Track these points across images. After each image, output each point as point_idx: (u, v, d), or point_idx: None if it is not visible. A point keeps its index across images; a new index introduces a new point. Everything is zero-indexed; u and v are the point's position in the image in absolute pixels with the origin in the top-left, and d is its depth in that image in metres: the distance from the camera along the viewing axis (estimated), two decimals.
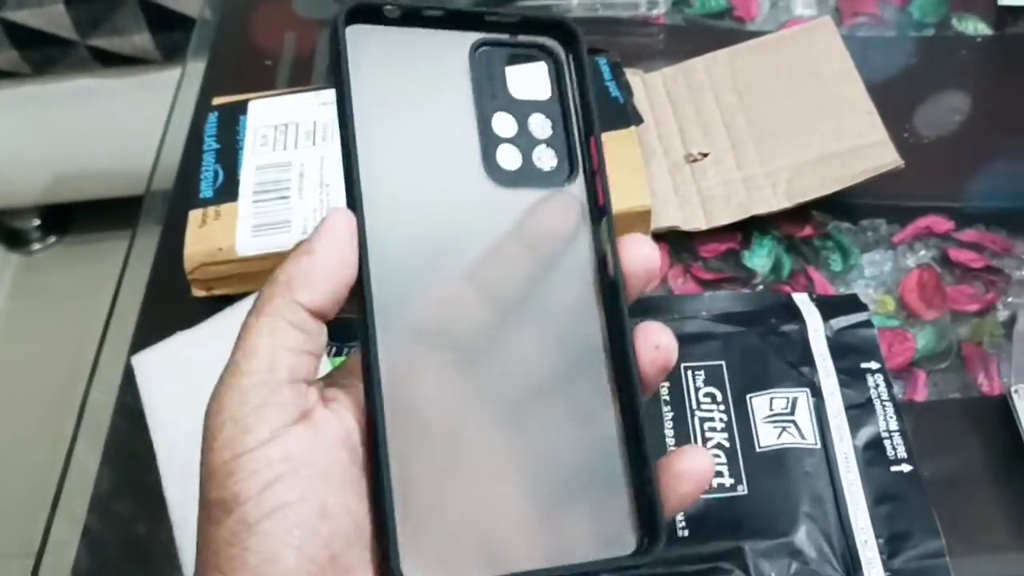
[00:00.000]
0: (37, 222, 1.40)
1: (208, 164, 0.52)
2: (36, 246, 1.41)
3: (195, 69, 0.66)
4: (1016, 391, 0.43)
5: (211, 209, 0.50)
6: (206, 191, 0.51)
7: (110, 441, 0.47)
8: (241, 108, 0.55)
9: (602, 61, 0.56)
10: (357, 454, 0.25)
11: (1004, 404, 0.44)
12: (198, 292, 0.50)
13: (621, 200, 0.49)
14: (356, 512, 0.25)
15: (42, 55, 1.11)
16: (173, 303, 0.50)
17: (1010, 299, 0.49)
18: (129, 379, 0.47)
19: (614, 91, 0.54)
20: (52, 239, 1.41)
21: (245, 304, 0.44)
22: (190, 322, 0.48)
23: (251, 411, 0.25)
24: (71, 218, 1.42)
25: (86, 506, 0.45)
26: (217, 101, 0.56)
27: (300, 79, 0.63)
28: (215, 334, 0.47)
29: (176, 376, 0.46)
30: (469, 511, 0.25)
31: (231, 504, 0.24)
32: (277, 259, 0.26)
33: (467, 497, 0.25)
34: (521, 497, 0.25)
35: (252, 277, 0.49)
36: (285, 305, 0.25)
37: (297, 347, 0.25)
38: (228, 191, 0.51)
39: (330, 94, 0.55)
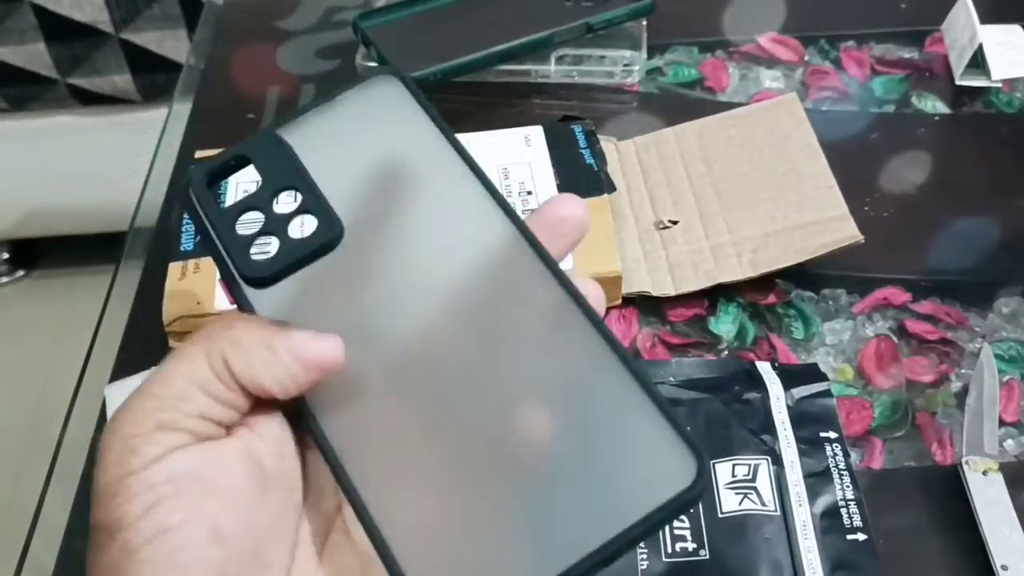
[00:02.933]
0: (6, 255, 1.40)
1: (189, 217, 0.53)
2: (4, 279, 1.41)
3: (179, 113, 0.67)
4: (967, 462, 0.45)
5: (191, 262, 0.51)
6: (187, 244, 0.52)
7: (83, 485, 0.47)
8: None
9: (577, 129, 0.58)
10: (260, 469, 0.24)
11: (956, 474, 0.46)
12: (175, 344, 0.50)
13: (593, 265, 0.51)
14: (259, 530, 0.24)
15: (21, 92, 1.11)
16: (152, 341, 0.50)
17: (963, 371, 0.51)
18: (104, 422, 0.48)
19: (588, 159, 0.56)
20: (20, 273, 1.41)
21: None
22: None
23: (143, 433, 0.23)
24: (39, 253, 1.42)
25: (55, 556, 0.45)
26: (200, 155, 0.57)
27: None
28: None
29: None
30: (487, 526, 0.24)
31: (113, 529, 0.22)
32: None
33: (481, 513, 0.24)
34: (543, 482, 0.24)
35: None
36: (212, 347, 0.25)
37: (205, 384, 0.24)
38: None
39: None
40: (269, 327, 0.25)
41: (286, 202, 0.27)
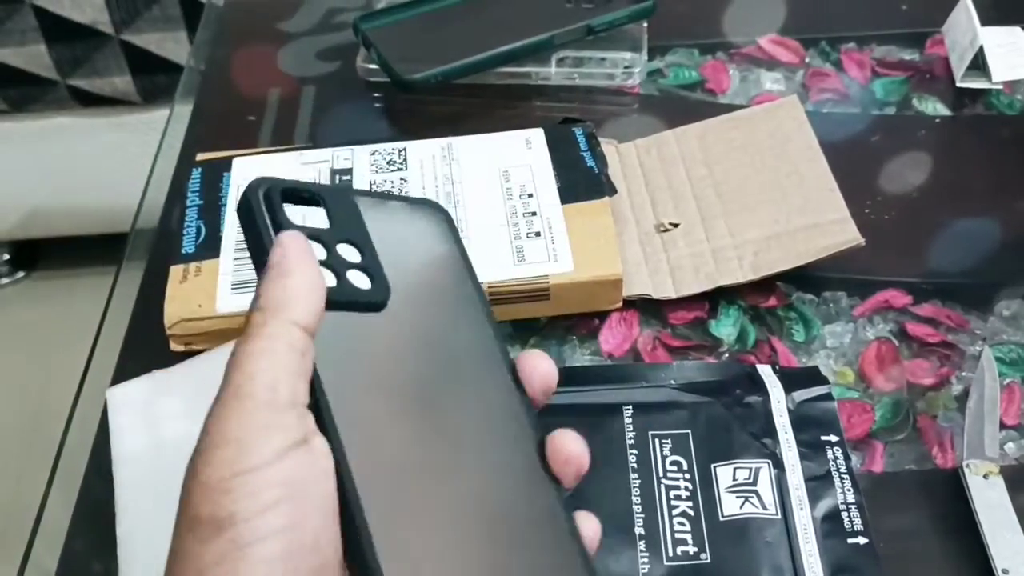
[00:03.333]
0: (6, 256, 1.40)
1: (191, 220, 0.53)
2: (4, 280, 1.40)
3: (180, 114, 0.67)
4: (968, 465, 0.45)
5: (192, 265, 0.51)
6: (188, 246, 0.52)
7: (84, 489, 0.47)
8: (225, 165, 0.56)
9: (578, 131, 0.58)
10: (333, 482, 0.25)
11: (957, 477, 0.46)
12: (176, 347, 0.50)
13: (594, 268, 0.51)
14: (340, 547, 0.25)
15: (21, 93, 1.11)
16: (153, 344, 0.51)
17: (964, 373, 0.51)
18: (105, 425, 0.48)
19: (589, 161, 0.56)
20: (20, 274, 1.41)
21: (225, 348, 0.45)
22: (168, 363, 0.48)
23: (255, 431, 0.24)
24: (40, 254, 1.42)
25: (56, 558, 0.45)
26: (201, 157, 0.57)
27: (282, 135, 0.65)
28: (192, 375, 0.48)
29: (147, 413, 0.47)
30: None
31: (224, 523, 0.23)
32: None
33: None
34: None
35: (231, 334, 0.49)
36: (280, 327, 0.26)
37: (295, 370, 0.25)
38: (210, 247, 0.52)
39: (313, 154, 0.57)
40: (276, 279, 0.27)
41: (348, 252, 0.29)
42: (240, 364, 0.25)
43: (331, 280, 0.28)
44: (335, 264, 0.28)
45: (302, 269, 0.27)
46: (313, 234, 0.28)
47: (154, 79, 1.10)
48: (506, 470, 0.29)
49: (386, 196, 0.33)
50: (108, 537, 0.44)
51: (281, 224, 0.28)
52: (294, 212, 0.28)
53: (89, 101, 1.12)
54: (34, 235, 1.32)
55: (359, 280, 0.29)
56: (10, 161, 1.20)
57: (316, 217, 0.29)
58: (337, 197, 0.30)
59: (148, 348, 0.51)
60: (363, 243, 0.30)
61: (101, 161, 1.17)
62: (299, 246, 0.27)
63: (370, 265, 0.29)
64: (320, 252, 0.28)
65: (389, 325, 0.29)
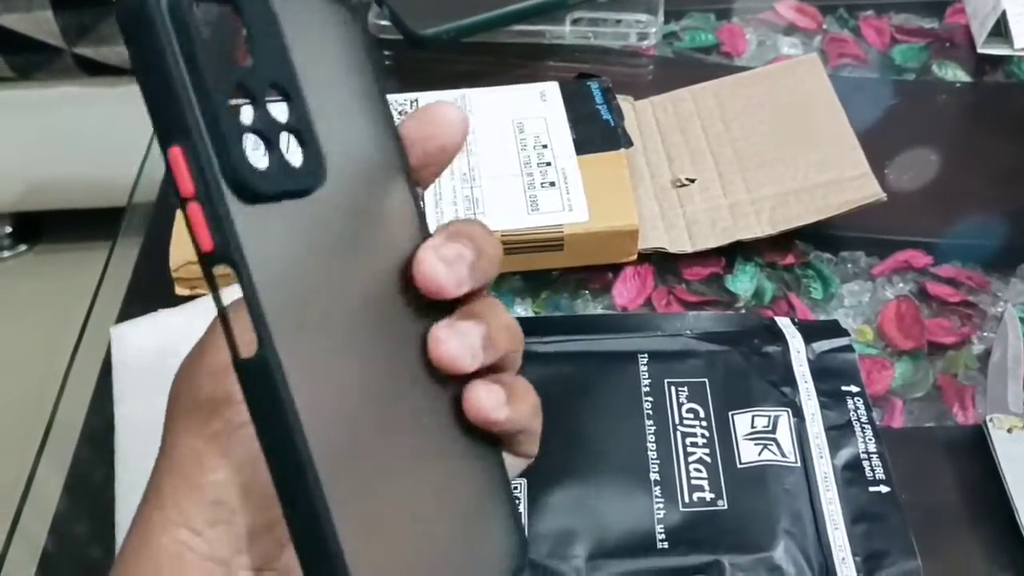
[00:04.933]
0: (8, 229, 1.39)
1: None
2: (6, 254, 1.39)
3: None
4: (991, 420, 0.44)
5: None
6: None
7: (75, 463, 0.46)
8: None
9: (594, 85, 0.57)
10: None
11: (978, 433, 0.45)
12: (182, 290, 0.49)
13: (609, 219, 0.50)
14: None
15: (26, 60, 1.10)
16: (158, 294, 0.49)
17: (985, 333, 0.50)
18: (98, 398, 0.46)
19: (605, 114, 0.55)
20: (23, 247, 1.40)
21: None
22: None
23: None
24: (43, 227, 1.41)
25: (46, 529, 0.44)
26: None
27: None
28: (198, 315, 0.47)
29: (152, 351, 0.46)
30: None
31: (221, 404, 0.23)
32: None
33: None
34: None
35: None
36: None
37: None
38: None
39: None
40: None
41: (276, 106, 0.22)
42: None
43: (260, 162, 0.21)
44: (266, 129, 0.21)
45: None
46: (238, 79, 0.21)
47: None
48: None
49: None
50: (98, 507, 0.43)
51: (195, 69, 0.20)
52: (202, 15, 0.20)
53: (95, 70, 1.11)
54: (37, 207, 1.31)
55: (292, 154, 0.22)
56: (14, 130, 1.19)
57: (225, 28, 0.21)
58: (255, 6, 0.22)
59: (153, 294, 0.50)
60: (289, 79, 0.22)
61: (106, 132, 1.15)
62: None
63: (301, 123, 0.22)
64: (247, 115, 0.21)
65: (317, 203, 0.23)
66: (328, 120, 0.23)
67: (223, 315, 0.21)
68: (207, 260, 0.21)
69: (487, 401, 0.25)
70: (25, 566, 0.43)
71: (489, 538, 0.27)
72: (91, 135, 1.18)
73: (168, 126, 0.20)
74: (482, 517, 0.27)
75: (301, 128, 0.22)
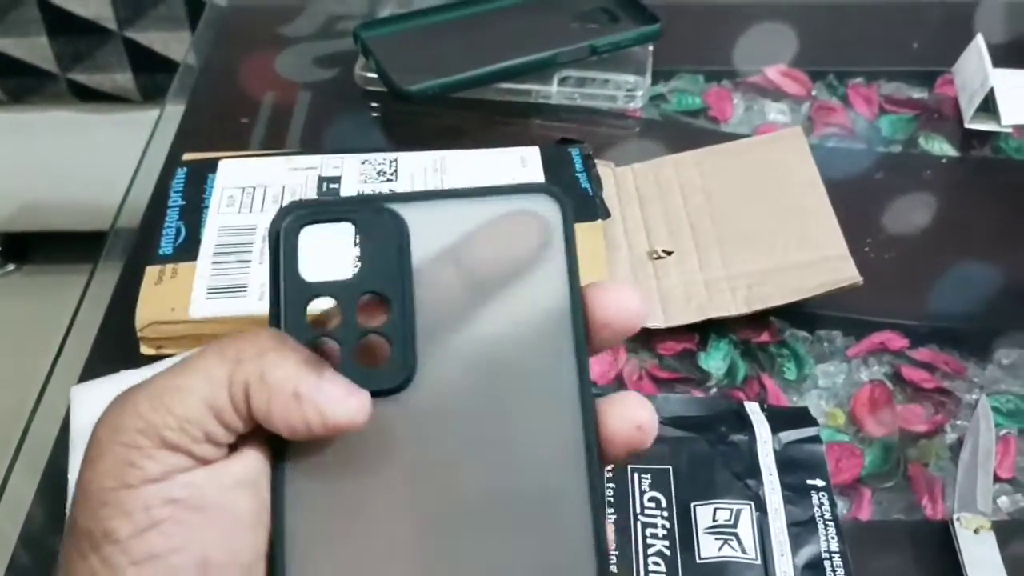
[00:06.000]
0: None
1: (171, 220, 0.52)
2: None
3: (173, 112, 0.66)
4: (959, 519, 0.43)
5: (168, 267, 0.49)
6: (166, 247, 0.50)
7: (46, 476, 0.46)
8: (211, 166, 0.55)
9: (575, 152, 0.56)
10: (258, 494, 0.23)
11: (946, 530, 0.44)
12: (147, 350, 0.49)
13: None
14: (248, 558, 0.22)
15: (20, 84, 1.10)
16: (124, 345, 0.49)
17: (958, 422, 0.49)
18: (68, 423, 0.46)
19: (584, 183, 0.54)
20: (10, 267, 1.39)
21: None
22: (139, 365, 0.47)
23: (145, 447, 0.22)
24: (30, 247, 1.41)
25: (15, 537, 0.44)
26: (187, 157, 0.56)
27: (274, 139, 0.63)
28: None
29: None
30: None
31: (100, 540, 0.21)
32: (231, 324, 0.25)
33: None
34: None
35: (203, 340, 0.48)
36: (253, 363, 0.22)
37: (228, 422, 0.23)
38: (188, 250, 0.50)
39: (302, 160, 0.55)
40: (302, 369, 0.23)
41: (370, 307, 0.24)
42: (180, 370, 0.23)
43: (332, 352, 0.23)
44: (341, 334, 0.23)
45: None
46: (326, 290, 0.23)
47: (155, 78, 1.09)
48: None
49: (463, 198, 0.24)
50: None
51: (286, 277, 0.23)
52: (319, 239, 0.24)
53: (88, 96, 1.11)
54: (25, 228, 1.30)
55: (371, 350, 0.23)
56: (5, 153, 1.19)
57: (342, 250, 0.24)
58: (374, 218, 0.24)
59: (119, 347, 0.50)
60: (396, 293, 0.24)
61: (96, 157, 1.15)
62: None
63: (395, 334, 0.23)
64: (327, 305, 0.24)
65: (400, 409, 0.23)
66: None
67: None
68: None
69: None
70: None
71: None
72: (81, 160, 1.18)
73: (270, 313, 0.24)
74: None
75: (392, 336, 0.24)
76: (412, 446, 0.24)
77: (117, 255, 0.56)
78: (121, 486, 0.22)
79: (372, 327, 0.23)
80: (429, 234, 0.24)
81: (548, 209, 0.24)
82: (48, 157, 1.19)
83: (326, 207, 0.24)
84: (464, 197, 0.24)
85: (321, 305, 0.24)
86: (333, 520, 0.23)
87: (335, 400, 0.22)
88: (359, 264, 0.24)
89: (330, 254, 0.25)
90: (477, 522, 0.24)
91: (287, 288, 0.23)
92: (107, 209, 0.61)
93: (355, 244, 0.24)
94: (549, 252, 0.24)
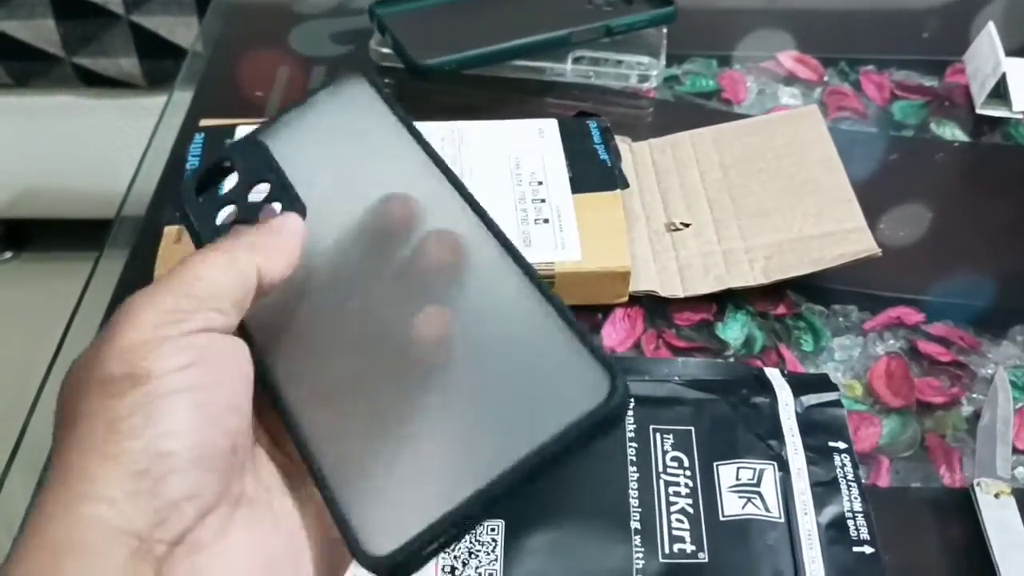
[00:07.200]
0: None
1: None
2: None
3: (180, 99, 0.65)
4: (979, 484, 0.43)
5: None
6: None
7: (46, 471, 0.45)
8: (228, 132, 0.55)
9: (592, 125, 0.57)
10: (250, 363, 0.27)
11: (965, 497, 0.44)
12: None
13: (601, 259, 0.49)
14: (246, 409, 0.26)
15: (25, 68, 1.10)
16: None
17: (974, 395, 0.50)
18: None
19: (602, 154, 0.55)
20: (8, 254, 1.39)
21: None
22: None
23: (187, 310, 0.25)
24: (31, 234, 1.40)
25: (11, 537, 0.43)
26: (204, 123, 0.56)
27: None
28: None
29: None
30: (412, 449, 0.25)
31: (141, 379, 0.24)
32: None
33: (405, 437, 0.25)
34: (459, 409, 0.25)
35: None
36: (246, 257, 0.27)
37: (245, 299, 0.27)
38: None
39: None
40: (260, 236, 0.28)
41: (259, 192, 0.30)
42: (192, 263, 0.26)
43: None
44: (245, 213, 0.29)
45: (290, 240, 0.28)
46: (224, 200, 0.30)
47: (161, 63, 1.09)
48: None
49: (297, 108, 0.31)
50: None
51: (195, 216, 0.30)
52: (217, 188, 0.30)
53: (93, 81, 1.11)
54: (26, 214, 1.29)
55: (272, 211, 0.30)
56: (7, 137, 1.18)
57: (231, 181, 0.30)
58: (242, 149, 0.31)
59: None
60: (271, 175, 0.30)
61: (101, 144, 1.15)
62: (295, 226, 0.29)
63: (278, 193, 0.30)
64: (230, 210, 0.30)
65: (315, 233, 0.29)
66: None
67: None
68: None
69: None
70: None
71: (547, 382, 0.24)
72: (85, 145, 1.17)
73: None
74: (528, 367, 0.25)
75: (278, 195, 0.30)
76: (344, 277, 0.29)
77: (125, 235, 0.56)
78: (164, 336, 0.24)
79: (262, 198, 0.29)
80: (281, 137, 0.31)
81: (360, 86, 0.31)
82: (51, 142, 1.18)
83: (204, 166, 0.31)
84: (296, 107, 0.31)
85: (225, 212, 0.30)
86: (307, 354, 0.28)
87: (289, 227, 0.28)
88: (239, 177, 0.30)
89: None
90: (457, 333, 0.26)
91: (198, 220, 0.30)
92: (109, 197, 0.61)
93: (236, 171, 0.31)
94: (375, 113, 0.31)
